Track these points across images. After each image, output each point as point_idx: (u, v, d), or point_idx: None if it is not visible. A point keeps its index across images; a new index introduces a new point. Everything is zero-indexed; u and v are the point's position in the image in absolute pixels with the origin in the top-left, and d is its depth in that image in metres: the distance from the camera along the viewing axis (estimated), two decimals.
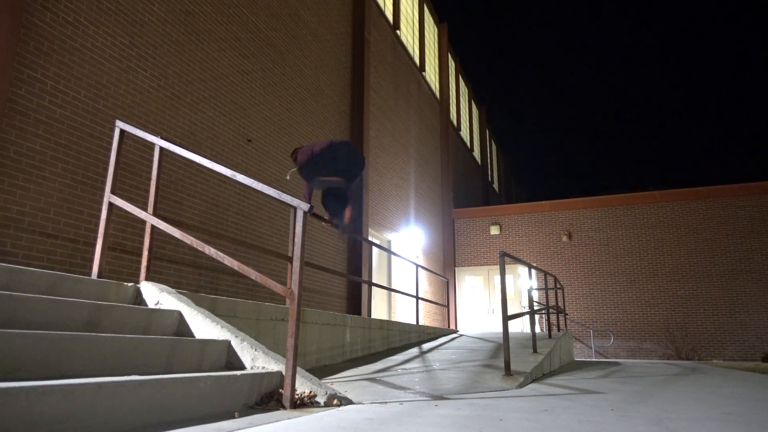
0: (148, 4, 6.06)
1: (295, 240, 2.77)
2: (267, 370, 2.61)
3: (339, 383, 3.46)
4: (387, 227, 12.61)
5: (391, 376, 3.93)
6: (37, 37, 4.76)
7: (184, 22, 6.60)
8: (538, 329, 14.02)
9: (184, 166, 6.31)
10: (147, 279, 3.48)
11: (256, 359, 2.75)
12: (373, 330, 5.98)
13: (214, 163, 3.36)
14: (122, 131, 3.87)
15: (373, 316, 11.31)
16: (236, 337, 2.88)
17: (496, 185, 28.27)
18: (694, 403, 2.97)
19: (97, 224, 5.09)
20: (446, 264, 16.90)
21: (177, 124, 6.34)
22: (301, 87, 9.22)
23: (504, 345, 4.12)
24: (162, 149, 3.73)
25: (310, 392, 2.57)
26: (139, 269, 5.34)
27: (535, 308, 7.48)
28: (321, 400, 2.54)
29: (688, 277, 14.89)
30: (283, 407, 2.43)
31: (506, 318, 4.40)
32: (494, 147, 28.87)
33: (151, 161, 5.76)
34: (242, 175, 3.18)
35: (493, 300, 16.79)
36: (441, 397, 2.95)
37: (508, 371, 3.98)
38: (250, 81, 7.82)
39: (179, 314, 3.10)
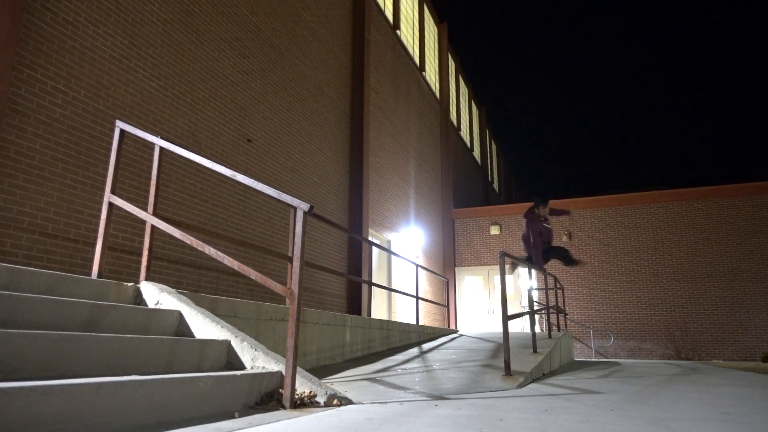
0: (148, 4, 6.06)
1: (295, 240, 2.77)
2: (267, 370, 2.61)
3: (339, 383, 3.46)
4: (387, 227, 12.62)
5: (391, 376, 3.93)
6: (37, 37, 4.76)
7: (184, 22, 6.60)
8: (538, 329, 14.02)
9: (184, 166, 6.31)
10: (147, 279, 3.48)
11: (256, 359, 2.75)
12: (373, 330, 5.98)
13: (214, 163, 3.36)
14: (122, 131, 3.87)
15: (373, 316, 11.31)
16: (236, 337, 2.88)
17: (496, 185, 28.27)
18: (694, 403, 2.97)
19: (97, 224, 5.09)
20: (446, 264, 16.90)
21: (177, 124, 6.34)
22: (301, 87, 9.22)
23: (504, 345, 4.12)
24: (162, 149, 3.73)
25: (310, 392, 2.57)
26: (139, 269, 5.34)
27: (535, 308, 7.48)
28: (321, 400, 2.54)
29: (688, 277, 14.89)
30: (283, 407, 2.43)
31: (506, 318, 4.40)
32: (494, 147, 28.87)
33: (151, 161, 5.76)
34: (242, 175, 3.18)
35: (493, 300, 16.79)
36: (441, 397, 2.95)
37: (508, 371, 3.98)
38: (250, 81, 7.82)
39: (179, 314, 3.10)
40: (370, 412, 2.36)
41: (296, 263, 2.71)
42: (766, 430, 2.11)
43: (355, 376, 3.93)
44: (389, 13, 14.46)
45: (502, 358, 4.83)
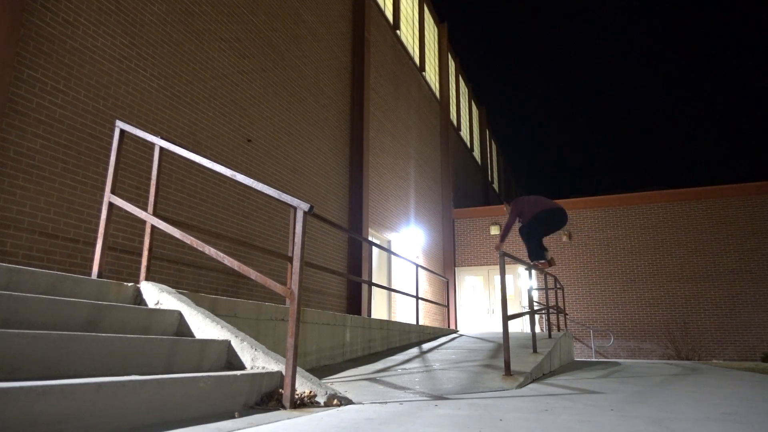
0: (148, 4, 6.06)
1: (295, 240, 2.77)
2: (267, 370, 2.61)
3: (339, 383, 3.46)
4: (387, 227, 12.61)
5: (391, 376, 3.93)
6: (37, 37, 4.76)
7: (184, 22, 6.60)
8: (538, 329, 14.02)
9: (184, 166, 6.31)
10: (147, 279, 3.48)
11: (256, 359, 2.75)
12: (373, 330, 5.98)
13: (214, 163, 3.36)
14: (122, 131, 3.87)
15: (373, 316, 11.31)
16: (236, 337, 2.88)
17: (496, 185, 28.27)
18: (694, 403, 2.97)
19: (97, 224, 5.09)
20: (446, 264, 16.90)
21: (177, 124, 6.34)
22: (301, 87, 9.22)
23: (504, 345, 4.12)
24: (162, 149, 3.73)
25: (310, 392, 2.57)
26: (139, 269, 5.34)
27: (535, 308, 7.48)
28: (321, 400, 2.54)
29: (688, 277, 14.89)
30: (283, 407, 2.43)
31: (506, 318, 4.40)
32: (494, 147, 28.87)
33: (151, 161, 5.76)
34: (242, 175, 3.18)
35: (493, 300, 16.79)
36: (441, 397, 2.95)
37: (508, 371, 3.98)
38: (250, 81, 7.82)
39: (179, 314, 3.10)
40: (370, 412, 2.36)
41: (296, 263, 2.71)
42: (766, 431, 2.11)
43: (355, 376, 3.93)
44: (389, 13, 14.46)
45: (502, 358, 4.83)
